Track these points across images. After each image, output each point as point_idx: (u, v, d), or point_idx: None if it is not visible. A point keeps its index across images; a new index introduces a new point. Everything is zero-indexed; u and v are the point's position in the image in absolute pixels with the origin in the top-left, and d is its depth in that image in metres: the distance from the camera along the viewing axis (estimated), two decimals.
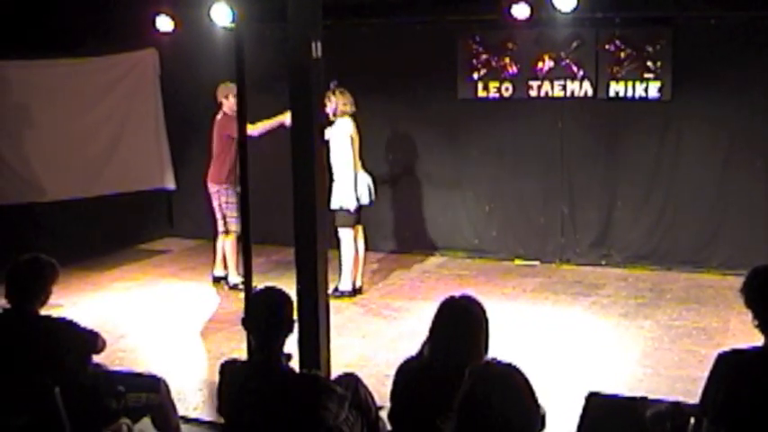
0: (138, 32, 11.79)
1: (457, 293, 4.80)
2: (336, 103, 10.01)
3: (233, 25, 8.44)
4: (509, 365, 3.49)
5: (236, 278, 10.52)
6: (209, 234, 12.78)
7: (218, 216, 10.69)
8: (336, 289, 10.13)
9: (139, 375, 6.40)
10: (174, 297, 10.70)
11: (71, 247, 10.93)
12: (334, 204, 10.03)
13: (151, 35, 11.71)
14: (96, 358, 5.97)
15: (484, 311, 4.65)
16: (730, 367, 4.58)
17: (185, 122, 12.83)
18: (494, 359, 3.62)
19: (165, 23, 11.39)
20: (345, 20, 10.68)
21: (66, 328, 5.66)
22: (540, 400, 3.48)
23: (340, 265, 10.24)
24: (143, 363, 8.14)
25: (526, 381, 3.44)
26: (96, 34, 11.79)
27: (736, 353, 4.66)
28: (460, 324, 4.58)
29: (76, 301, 10.07)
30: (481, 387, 3.39)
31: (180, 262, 12.39)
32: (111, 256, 12.29)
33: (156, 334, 9.38)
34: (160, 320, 9.80)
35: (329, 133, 9.84)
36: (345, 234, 10.21)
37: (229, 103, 10.33)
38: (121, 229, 12.84)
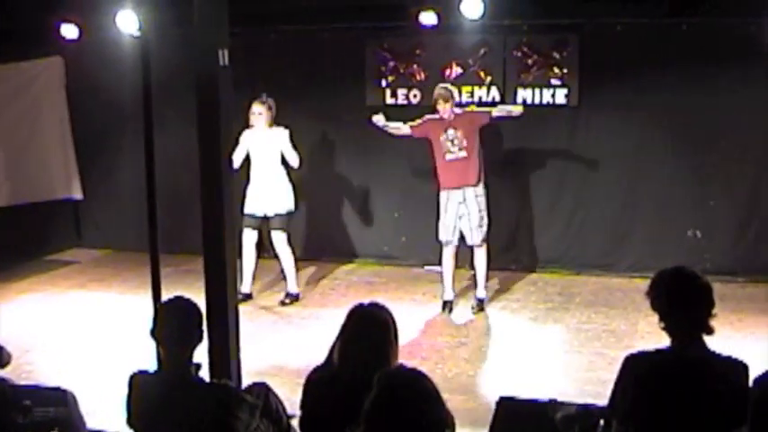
0: (42, 40, 11.59)
1: (365, 301, 4.81)
2: (272, 114, 10.11)
3: (140, 32, 8.34)
4: (416, 372, 3.50)
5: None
6: (116, 244, 12.72)
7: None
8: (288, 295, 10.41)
9: (46, 389, 6.29)
10: (82, 308, 10.51)
11: None
12: (282, 208, 10.22)
13: (56, 43, 11.53)
14: (1, 372, 5.86)
15: (392, 318, 4.68)
16: (638, 369, 4.64)
17: (92, 131, 12.65)
18: (401, 366, 3.63)
19: (70, 31, 11.19)
20: (253, 27, 10.61)
21: None
22: (450, 406, 3.49)
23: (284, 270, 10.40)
24: (50, 376, 7.98)
25: (434, 387, 3.45)
26: None
27: (643, 354, 4.72)
28: (368, 331, 4.60)
29: None
30: (389, 393, 3.40)
31: (87, 273, 12.17)
32: (17, 268, 12.01)
33: (63, 346, 9.20)
34: (68, 333, 9.62)
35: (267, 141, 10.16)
36: (284, 238, 10.32)
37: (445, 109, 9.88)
38: (27, 241, 12.56)
